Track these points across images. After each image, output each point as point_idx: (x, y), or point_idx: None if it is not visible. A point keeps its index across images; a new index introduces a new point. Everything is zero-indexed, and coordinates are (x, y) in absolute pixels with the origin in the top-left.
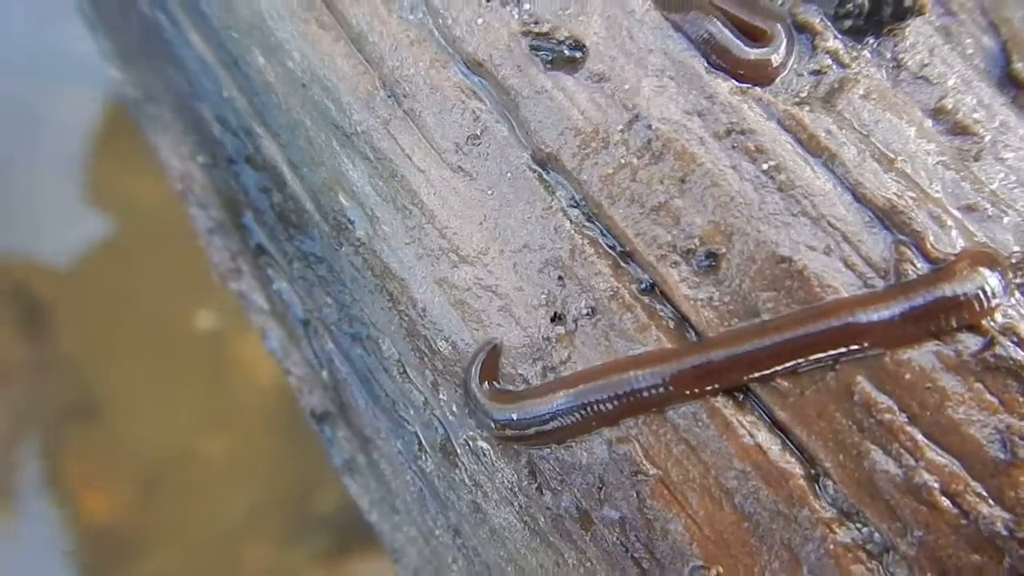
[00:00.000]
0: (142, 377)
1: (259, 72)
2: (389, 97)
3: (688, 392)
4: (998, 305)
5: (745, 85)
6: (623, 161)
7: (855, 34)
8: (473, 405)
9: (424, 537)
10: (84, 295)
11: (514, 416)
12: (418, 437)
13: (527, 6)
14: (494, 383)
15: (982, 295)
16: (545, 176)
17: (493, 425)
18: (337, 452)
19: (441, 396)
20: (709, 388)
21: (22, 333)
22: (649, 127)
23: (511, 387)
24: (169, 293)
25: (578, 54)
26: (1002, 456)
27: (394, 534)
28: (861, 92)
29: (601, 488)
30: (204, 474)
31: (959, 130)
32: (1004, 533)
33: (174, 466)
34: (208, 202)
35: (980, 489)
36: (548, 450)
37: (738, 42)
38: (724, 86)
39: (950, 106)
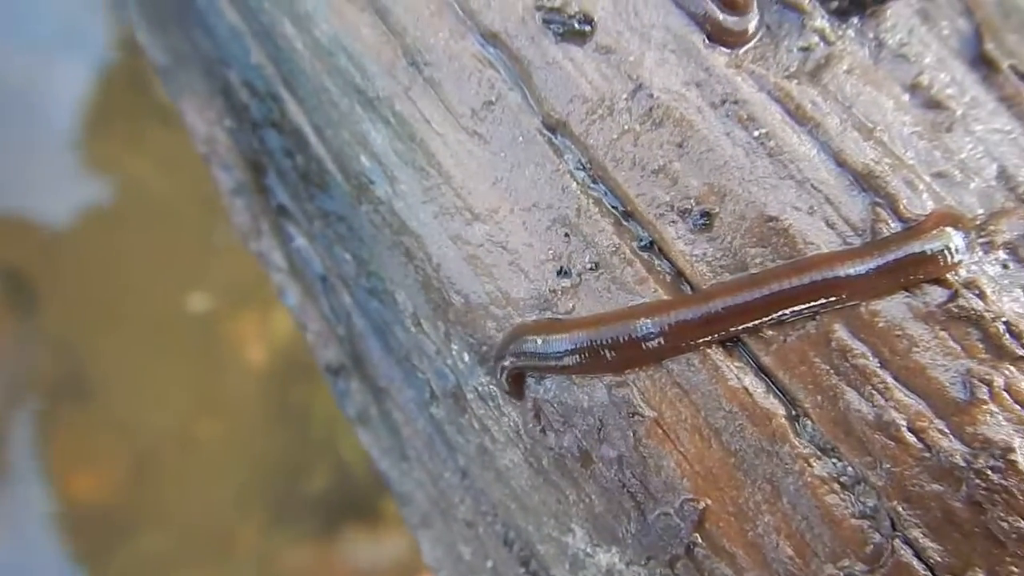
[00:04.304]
0: (134, 357)
1: (288, 40)
2: (410, 65)
3: (686, 344)
4: (961, 261)
5: (730, 50)
6: (626, 127)
7: (840, 15)
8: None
9: (432, 481)
10: (77, 273)
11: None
12: (429, 385)
13: None
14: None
15: (947, 252)
16: (554, 140)
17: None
18: (350, 404)
19: (453, 345)
20: (705, 339)
21: (13, 309)
22: (651, 96)
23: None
24: (162, 274)
25: (587, 28)
26: (962, 397)
27: (403, 480)
28: (845, 68)
29: (600, 429)
30: (194, 455)
31: (933, 104)
32: (963, 465)
33: (164, 447)
34: (232, 164)
35: (942, 426)
36: (552, 394)
37: (722, 13)
38: (720, 60)
39: (925, 82)
